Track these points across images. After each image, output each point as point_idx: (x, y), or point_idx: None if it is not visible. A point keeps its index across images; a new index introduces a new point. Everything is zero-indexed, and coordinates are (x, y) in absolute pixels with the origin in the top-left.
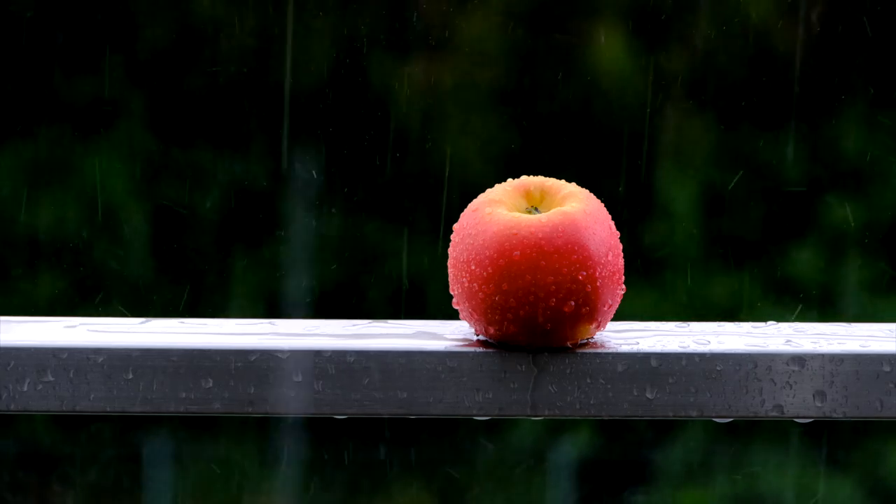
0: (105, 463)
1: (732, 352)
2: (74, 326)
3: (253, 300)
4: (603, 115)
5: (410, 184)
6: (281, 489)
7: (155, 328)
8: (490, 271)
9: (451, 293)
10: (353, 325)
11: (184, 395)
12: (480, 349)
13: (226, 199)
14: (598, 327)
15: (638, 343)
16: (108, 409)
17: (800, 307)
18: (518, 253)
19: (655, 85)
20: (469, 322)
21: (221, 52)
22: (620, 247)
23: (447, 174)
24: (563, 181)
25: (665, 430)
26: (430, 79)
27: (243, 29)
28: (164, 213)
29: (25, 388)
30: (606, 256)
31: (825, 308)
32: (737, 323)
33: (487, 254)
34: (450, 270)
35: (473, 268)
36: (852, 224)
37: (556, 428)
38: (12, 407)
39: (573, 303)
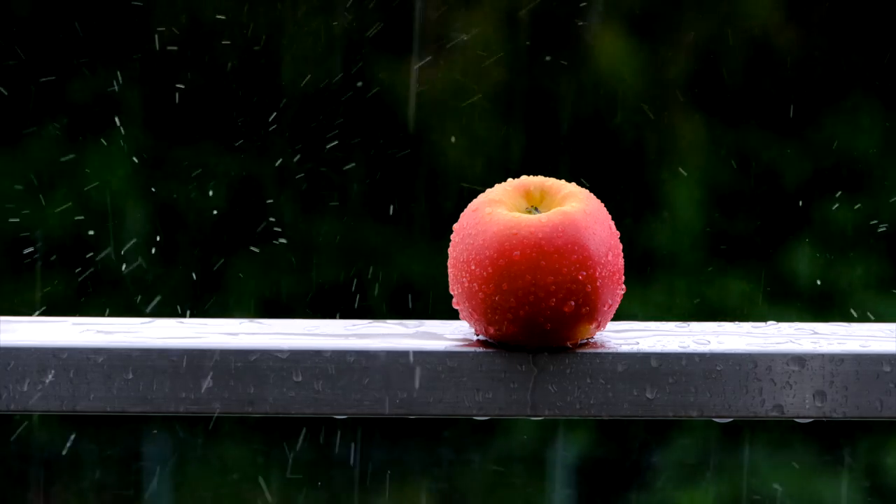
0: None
1: (732, 352)
2: (75, 326)
3: (253, 300)
4: (603, 114)
5: (410, 183)
6: (281, 489)
7: (155, 328)
8: (490, 271)
9: (451, 293)
10: (353, 325)
11: (184, 395)
12: (480, 349)
13: (226, 198)
14: (598, 327)
15: (638, 343)
16: (108, 409)
17: (800, 307)
18: (518, 253)
19: (656, 84)
20: (469, 322)
21: (221, 50)
22: (620, 247)
23: (447, 174)
24: (563, 181)
25: (665, 430)
26: (430, 78)
27: (244, 27)
28: (165, 212)
29: (25, 388)
30: (606, 256)
31: (825, 308)
32: (737, 323)
33: (487, 254)
34: (450, 270)
35: (473, 268)
36: (852, 224)
37: (556, 428)
38: (12, 407)
39: (573, 303)
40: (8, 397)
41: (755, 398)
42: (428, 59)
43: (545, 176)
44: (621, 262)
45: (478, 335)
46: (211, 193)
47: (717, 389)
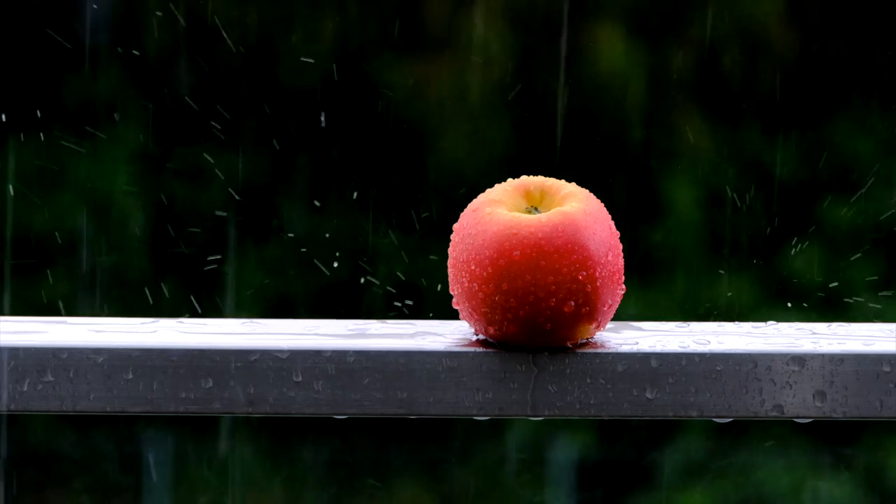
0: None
1: (732, 352)
2: (74, 326)
3: (253, 300)
4: (603, 114)
5: (410, 183)
6: (281, 489)
7: (155, 328)
8: (490, 271)
9: (451, 293)
10: (353, 325)
11: (184, 395)
12: (480, 349)
13: (226, 198)
14: (598, 327)
15: (638, 343)
16: (108, 409)
17: (800, 307)
18: (518, 253)
19: (656, 85)
20: (469, 322)
21: (222, 50)
22: (620, 247)
23: (447, 173)
24: (563, 181)
25: (665, 430)
26: (431, 78)
27: (244, 27)
28: (165, 212)
29: (25, 388)
30: (606, 256)
31: (825, 308)
32: (737, 323)
33: (487, 254)
34: (450, 270)
35: (473, 268)
36: (852, 224)
37: (556, 428)
38: (12, 407)
39: (573, 303)
40: (8, 397)
41: (755, 398)
42: (429, 58)
43: (545, 176)
44: (621, 262)
45: (478, 335)
46: (211, 193)
47: (717, 389)
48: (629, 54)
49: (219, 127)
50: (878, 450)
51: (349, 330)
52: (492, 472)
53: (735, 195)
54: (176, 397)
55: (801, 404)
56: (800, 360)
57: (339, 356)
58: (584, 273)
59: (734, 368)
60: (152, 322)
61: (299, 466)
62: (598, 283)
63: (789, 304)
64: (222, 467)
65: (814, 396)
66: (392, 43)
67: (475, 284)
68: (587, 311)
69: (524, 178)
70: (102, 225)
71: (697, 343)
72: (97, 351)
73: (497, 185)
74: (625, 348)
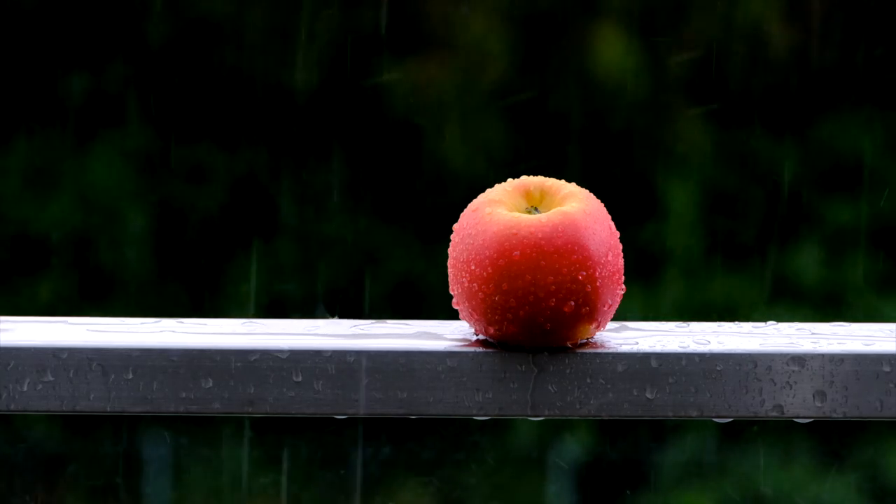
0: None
1: (732, 352)
2: (74, 326)
3: (253, 300)
4: (603, 114)
5: (410, 183)
6: (281, 489)
7: (155, 328)
8: (490, 271)
9: (451, 293)
10: (353, 325)
11: (184, 395)
12: (480, 349)
13: (226, 198)
14: (598, 327)
15: (638, 343)
16: (108, 409)
17: (800, 307)
18: (518, 253)
19: (656, 85)
20: (469, 322)
21: (223, 49)
22: (620, 247)
23: (447, 174)
24: (563, 181)
25: (665, 430)
26: (431, 78)
27: (245, 26)
28: (165, 212)
29: (25, 388)
30: (606, 256)
31: (825, 308)
32: (737, 323)
33: (487, 254)
34: (450, 270)
35: (473, 268)
36: (852, 224)
37: (556, 428)
38: (12, 407)
39: (573, 303)
40: (8, 397)
41: (755, 398)
42: (429, 58)
43: (545, 176)
44: (621, 262)
45: (478, 335)
46: (211, 193)
47: (717, 389)
48: (629, 54)
49: (219, 126)
50: (878, 450)
51: (349, 330)
52: (492, 472)
53: (735, 195)
54: (176, 397)
55: (801, 404)
56: (800, 360)
57: (339, 356)
58: (584, 273)
59: (734, 368)
60: (152, 322)
61: (299, 466)
62: (598, 283)
63: (789, 304)
64: (222, 467)
65: (814, 396)
66: (391, 42)
67: (475, 284)
68: (587, 311)
69: (524, 178)
70: (102, 225)
71: (697, 343)
72: (97, 351)
73: (497, 185)
74: (625, 348)
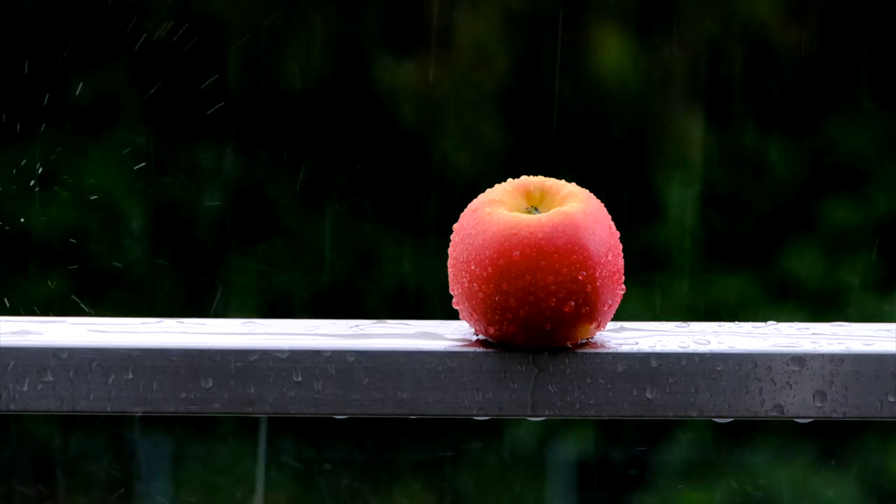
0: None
1: (732, 352)
2: (74, 326)
3: (253, 300)
4: (603, 115)
5: (410, 183)
6: (280, 489)
7: (154, 328)
8: (490, 271)
9: (451, 293)
10: (353, 325)
11: (184, 395)
12: (480, 349)
13: (226, 198)
14: (598, 327)
15: (638, 343)
16: (108, 409)
17: (800, 307)
18: (518, 253)
19: (656, 85)
20: (469, 322)
21: (222, 50)
22: (620, 247)
23: (447, 174)
24: (563, 181)
25: (665, 430)
26: (431, 79)
27: (244, 27)
28: (165, 212)
29: (25, 388)
30: (606, 256)
31: (825, 308)
32: (737, 323)
33: (487, 254)
34: (450, 270)
35: (473, 268)
36: (852, 224)
37: (556, 428)
38: (12, 407)
39: (573, 303)
40: (8, 397)
41: (755, 398)
42: (429, 58)
43: (545, 176)
44: (621, 262)
45: (478, 335)
46: (211, 193)
47: (717, 389)
48: (628, 54)
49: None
50: (878, 450)
51: (349, 330)
52: (492, 472)
53: (734, 195)
54: (176, 397)
55: (801, 404)
56: (800, 360)
57: (339, 356)
58: (584, 273)
59: (734, 368)
60: (152, 322)
61: (299, 466)
62: (598, 283)
63: (789, 304)
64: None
65: (814, 396)
66: (391, 43)
67: (475, 284)
68: (587, 311)
69: (524, 178)
70: (102, 225)
71: (697, 343)
72: (97, 351)
73: (497, 185)
74: (625, 348)
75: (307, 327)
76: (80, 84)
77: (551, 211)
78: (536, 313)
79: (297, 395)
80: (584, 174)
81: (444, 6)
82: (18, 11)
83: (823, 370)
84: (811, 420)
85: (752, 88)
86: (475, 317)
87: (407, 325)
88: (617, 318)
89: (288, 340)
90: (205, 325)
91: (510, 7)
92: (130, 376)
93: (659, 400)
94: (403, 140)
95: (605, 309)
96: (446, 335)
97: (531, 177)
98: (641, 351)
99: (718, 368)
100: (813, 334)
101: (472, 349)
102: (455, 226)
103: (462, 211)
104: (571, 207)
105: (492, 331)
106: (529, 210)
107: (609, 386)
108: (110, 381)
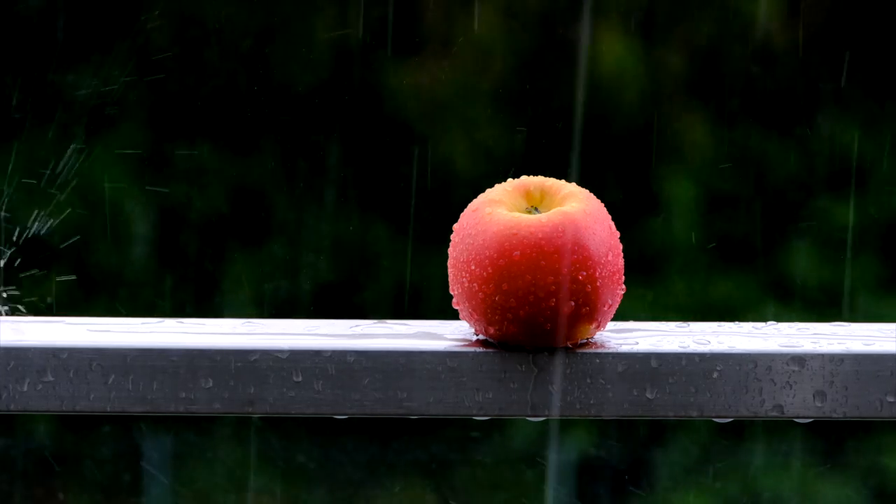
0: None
1: (732, 352)
2: (74, 326)
3: (253, 300)
4: (603, 114)
5: (410, 183)
6: (280, 489)
7: (154, 328)
8: (490, 271)
9: (451, 293)
10: (353, 325)
11: (184, 395)
12: (480, 349)
13: (226, 198)
14: (598, 327)
15: (638, 343)
16: (108, 409)
17: (800, 307)
18: (518, 253)
19: (656, 85)
20: (469, 322)
21: (222, 49)
22: (620, 247)
23: (447, 174)
24: (563, 181)
25: (665, 430)
26: (431, 78)
27: (244, 26)
28: (165, 212)
29: (25, 388)
30: (606, 256)
31: (825, 308)
32: (737, 323)
33: (487, 254)
34: (450, 270)
35: (473, 268)
36: (852, 224)
37: (556, 428)
38: (12, 407)
39: (573, 303)
40: (8, 397)
41: (755, 398)
42: (429, 59)
43: (545, 176)
44: (621, 262)
45: (478, 335)
46: (211, 193)
47: (717, 389)
48: (629, 53)
49: (218, 127)
50: (878, 450)
51: (349, 330)
52: (492, 472)
53: (735, 195)
54: (176, 397)
55: (801, 404)
56: (800, 360)
57: (339, 356)
58: (584, 273)
59: (734, 368)
60: (153, 322)
61: (299, 467)
62: (598, 283)
63: (789, 304)
64: (221, 467)
65: (814, 396)
66: (391, 43)
67: (475, 284)
68: (587, 311)
69: (524, 178)
70: (102, 225)
71: (697, 343)
72: (97, 351)
73: (497, 185)
74: (625, 348)
75: (307, 327)
76: (81, 82)
77: (551, 211)
78: (536, 313)
79: (297, 395)
80: (584, 174)
81: (445, 6)
82: (19, 9)
83: (823, 370)
84: (811, 420)
85: (753, 87)
86: (475, 317)
87: (407, 325)
88: (617, 318)
89: (288, 340)
90: (205, 325)
91: (511, 6)
92: (130, 376)
93: (659, 400)
94: (403, 140)
95: (605, 309)
96: (446, 335)
97: (531, 177)
98: (641, 351)
99: (718, 368)
100: (813, 334)
101: (472, 349)
102: (455, 226)
103: (462, 211)
104: (571, 207)
105: (492, 331)
106: (529, 210)
107: (609, 386)
108: (110, 381)
